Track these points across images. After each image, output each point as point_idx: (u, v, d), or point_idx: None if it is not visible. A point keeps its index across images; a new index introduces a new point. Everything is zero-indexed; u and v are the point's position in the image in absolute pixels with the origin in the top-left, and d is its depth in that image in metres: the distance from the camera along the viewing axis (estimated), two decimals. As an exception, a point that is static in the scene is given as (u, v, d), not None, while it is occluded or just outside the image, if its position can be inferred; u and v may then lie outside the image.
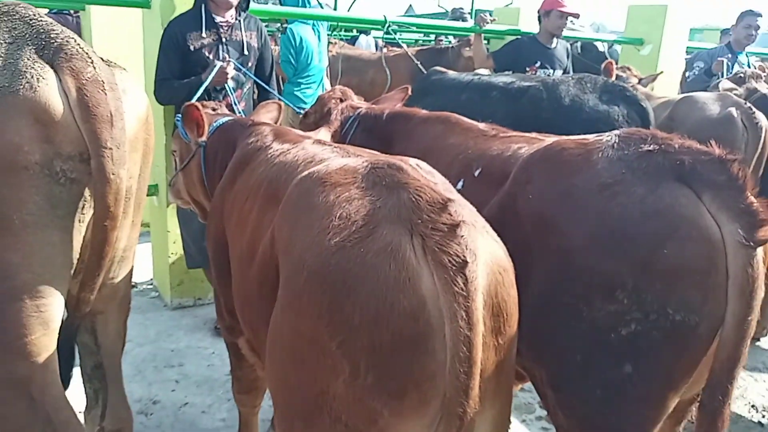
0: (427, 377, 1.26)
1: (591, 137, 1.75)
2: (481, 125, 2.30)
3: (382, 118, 2.84)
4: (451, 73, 4.26)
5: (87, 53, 1.74)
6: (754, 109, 3.81)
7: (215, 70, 3.45)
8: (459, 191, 2.04)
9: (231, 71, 3.54)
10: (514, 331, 1.42)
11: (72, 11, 6.21)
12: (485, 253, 1.32)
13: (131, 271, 2.22)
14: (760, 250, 1.48)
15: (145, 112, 2.05)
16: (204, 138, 2.59)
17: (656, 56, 6.55)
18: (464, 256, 1.23)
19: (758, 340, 4.37)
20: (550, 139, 1.87)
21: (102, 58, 1.85)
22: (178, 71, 3.63)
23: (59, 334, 1.82)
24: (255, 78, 3.82)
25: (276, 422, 1.54)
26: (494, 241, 1.41)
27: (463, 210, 1.36)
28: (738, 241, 1.46)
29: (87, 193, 1.77)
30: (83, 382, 2.25)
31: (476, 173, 2.06)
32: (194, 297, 4.42)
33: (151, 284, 4.76)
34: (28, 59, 1.65)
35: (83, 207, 1.78)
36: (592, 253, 1.57)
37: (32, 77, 1.63)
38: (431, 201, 1.31)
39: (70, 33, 1.76)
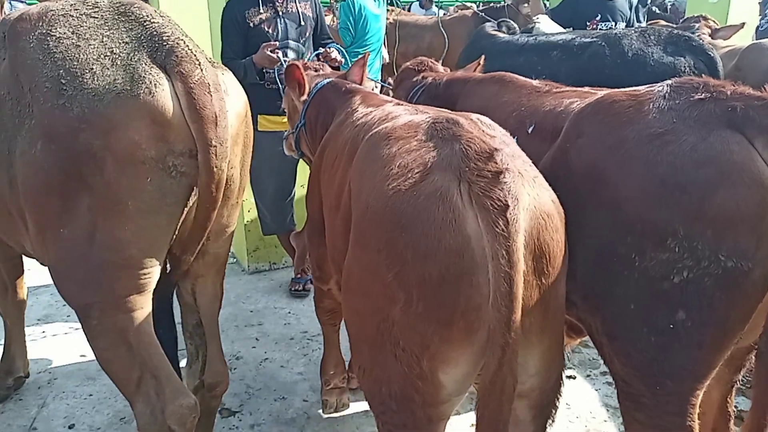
0: (473, 308, 1.41)
1: (642, 88, 1.75)
2: (535, 82, 2.32)
3: (441, 85, 2.90)
4: (502, 36, 4.18)
5: (195, 55, 1.91)
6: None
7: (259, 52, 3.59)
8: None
9: (278, 56, 3.60)
10: (559, 273, 1.51)
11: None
12: (528, 199, 1.43)
13: (231, 242, 2.47)
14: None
15: (244, 109, 2.24)
16: (305, 97, 2.81)
17: (727, 5, 6.15)
18: (506, 201, 1.36)
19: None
20: (601, 93, 1.87)
21: (206, 58, 2.01)
22: (241, 50, 3.79)
23: (158, 291, 2.07)
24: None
25: (351, 349, 1.78)
26: (542, 189, 1.51)
27: (512, 160, 1.47)
28: (793, 186, 1.46)
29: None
30: (185, 340, 2.53)
31: (530, 130, 2.09)
32: (269, 262, 4.68)
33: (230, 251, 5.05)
34: (146, 64, 1.84)
35: (188, 196, 2.00)
36: (643, 203, 1.59)
37: (150, 83, 1.82)
38: (479, 151, 1.45)
39: (179, 35, 1.94)
